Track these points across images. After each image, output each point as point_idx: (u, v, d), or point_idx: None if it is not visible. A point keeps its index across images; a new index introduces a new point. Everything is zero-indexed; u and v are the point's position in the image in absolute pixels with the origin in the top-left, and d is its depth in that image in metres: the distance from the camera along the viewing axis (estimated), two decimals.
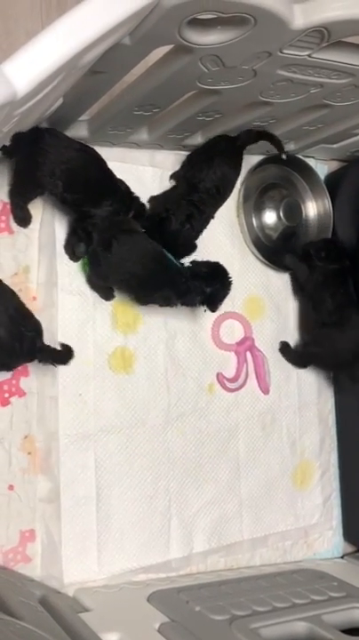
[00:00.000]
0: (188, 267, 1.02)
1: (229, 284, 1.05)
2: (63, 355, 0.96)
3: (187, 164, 1.08)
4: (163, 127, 0.99)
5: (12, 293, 0.91)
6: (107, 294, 1.03)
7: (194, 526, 1.10)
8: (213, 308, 1.04)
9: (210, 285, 1.01)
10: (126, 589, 1.00)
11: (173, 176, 1.10)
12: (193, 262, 1.04)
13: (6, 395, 0.96)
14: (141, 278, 0.97)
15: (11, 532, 0.95)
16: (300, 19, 0.67)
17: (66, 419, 1.00)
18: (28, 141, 0.88)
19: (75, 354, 1.00)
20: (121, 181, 0.99)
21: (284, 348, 1.20)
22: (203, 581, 1.05)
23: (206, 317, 1.14)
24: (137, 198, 1.01)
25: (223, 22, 0.67)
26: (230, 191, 1.10)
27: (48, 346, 0.93)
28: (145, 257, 0.97)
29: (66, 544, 0.98)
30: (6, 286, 0.92)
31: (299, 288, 1.21)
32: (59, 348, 0.97)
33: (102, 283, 1.01)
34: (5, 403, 0.96)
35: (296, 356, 1.20)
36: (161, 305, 1.03)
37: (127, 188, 1.00)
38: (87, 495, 1.01)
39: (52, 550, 0.97)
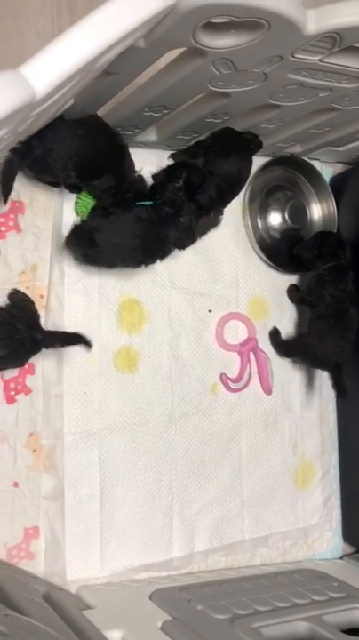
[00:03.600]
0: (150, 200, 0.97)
1: (194, 167, 1.00)
2: (70, 336, 0.96)
3: (202, 154, 1.04)
4: (172, 128, 1.00)
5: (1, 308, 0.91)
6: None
7: (195, 525, 1.11)
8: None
9: (173, 182, 0.97)
10: (128, 587, 1.00)
11: (173, 156, 1.08)
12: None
13: (12, 392, 0.96)
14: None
15: (15, 529, 0.95)
16: (313, 24, 0.68)
17: (71, 417, 1.01)
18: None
19: (81, 352, 1.01)
20: (126, 155, 0.97)
21: (273, 335, 1.18)
22: (205, 580, 1.06)
23: (211, 318, 1.15)
24: (139, 176, 0.99)
25: (237, 26, 0.67)
26: (239, 190, 1.09)
27: (49, 332, 0.94)
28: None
29: (69, 541, 0.99)
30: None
31: (298, 299, 1.20)
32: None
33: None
34: (11, 400, 0.96)
35: (284, 343, 1.17)
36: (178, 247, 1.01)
37: (131, 162, 0.98)
38: (91, 493, 1.01)
39: (56, 547, 0.98)
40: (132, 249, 0.96)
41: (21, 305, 0.94)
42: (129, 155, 0.97)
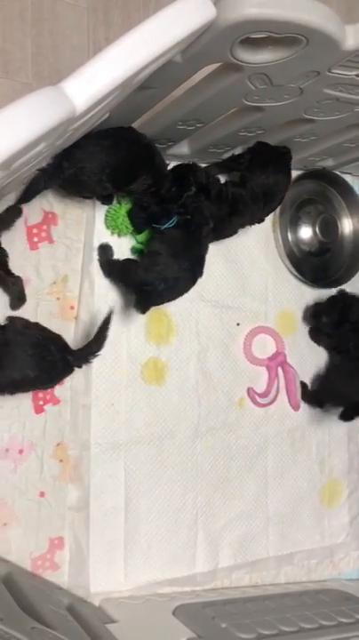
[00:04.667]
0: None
1: (194, 167, 1.00)
2: (94, 347, 0.95)
3: (242, 165, 1.05)
4: (205, 141, 1.00)
5: (35, 325, 0.91)
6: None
7: (220, 541, 1.09)
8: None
9: (184, 190, 0.97)
10: (152, 602, 0.99)
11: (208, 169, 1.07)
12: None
13: (41, 402, 0.97)
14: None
15: (40, 539, 0.95)
16: (352, 39, 0.68)
17: (98, 428, 1.01)
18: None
19: (109, 363, 1.01)
20: (155, 152, 0.96)
21: (303, 388, 1.18)
22: (228, 597, 1.05)
23: (239, 331, 1.14)
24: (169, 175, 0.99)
25: (275, 42, 0.67)
26: (276, 203, 1.09)
27: (79, 351, 0.93)
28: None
29: (93, 553, 0.99)
30: (28, 322, 0.92)
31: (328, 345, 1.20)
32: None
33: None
34: (40, 410, 0.97)
35: (312, 393, 1.18)
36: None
37: (161, 159, 0.97)
38: (116, 505, 1.01)
39: (80, 559, 0.97)
40: (186, 282, 0.97)
41: (40, 327, 0.93)
42: (158, 152, 0.96)
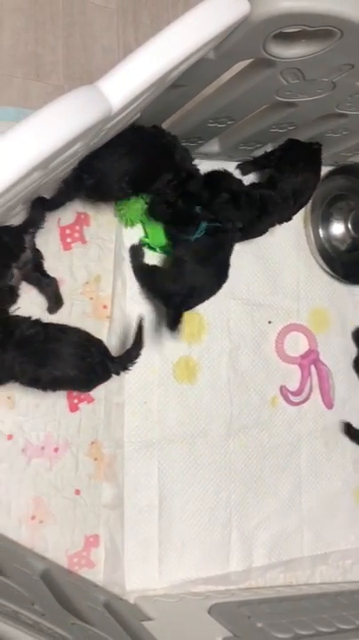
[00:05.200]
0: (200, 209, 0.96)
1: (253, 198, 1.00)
2: (133, 354, 0.95)
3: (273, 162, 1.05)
4: (236, 139, 0.99)
5: (76, 330, 0.92)
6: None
7: (254, 540, 1.09)
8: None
9: (215, 196, 0.96)
10: (186, 600, 0.99)
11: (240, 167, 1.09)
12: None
13: (75, 400, 0.97)
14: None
15: (76, 537, 0.96)
16: None
17: (131, 426, 1.01)
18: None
19: (141, 362, 1.00)
20: (174, 148, 0.95)
21: (347, 429, 1.17)
22: (263, 596, 1.04)
23: (270, 329, 1.13)
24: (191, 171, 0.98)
25: (308, 35, 0.67)
26: (305, 200, 1.09)
27: (119, 358, 0.94)
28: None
29: (128, 551, 0.99)
30: (68, 327, 0.92)
31: None
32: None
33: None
34: (75, 408, 0.97)
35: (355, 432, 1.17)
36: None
37: (184, 153, 0.96)
38: (150, 503, 1.01)
39: (115, 557, 0.98)
40: (212, 287, 0.98)
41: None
42: (179, 147, 0.95)
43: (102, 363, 0.90)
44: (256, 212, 1.02)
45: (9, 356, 0.85)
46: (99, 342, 0.92)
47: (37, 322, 0.89)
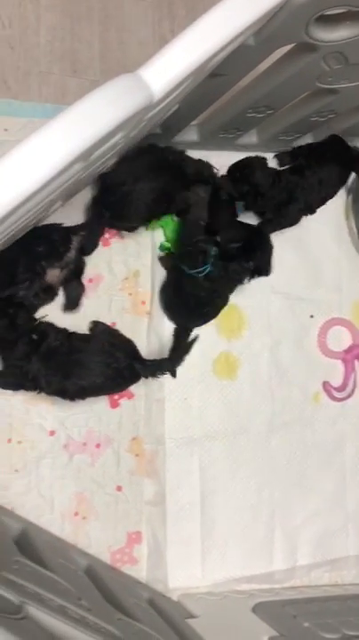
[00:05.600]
0: (215, 251, 0.96)
1: (268, 242, 1.00)
2: (168, 363, 0.96)
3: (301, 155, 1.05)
4: (275, 129, 0.98)
5: (99, 337, 0.92)
6: None
7: (298, 538, 1.07)
8: (266, 273, 1.00)
9: (250, 258, 0.97)
10: (230, 598, 0.98)
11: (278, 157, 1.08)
12: (220, 241, 0.98)
13: (116, 397, 0.97)
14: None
15: (118, 533, 0.96)
16: None
17: (171, 422, 1.00)
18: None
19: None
20: (183, 164, 0.97)
21: None
22: (308, 596, 1.02)
23: (312, 323, 1.11)
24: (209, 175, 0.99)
25: (353, 16, 0.65)
26: (330, 192, 1.07)
27: (150, 362, 0.93)
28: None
29: (170, 548, 0.98)
30: (91, 335, 0.93)
31: None
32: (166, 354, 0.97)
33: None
34: (115, 405, 0.97)
35: None
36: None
37: (195, 165, 0.98)
38: (192, 500, 1.00)
39: (158, 553, 0.97)
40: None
41: (114, 334, 0.94)
42: (188, 160, 0.97)
43: (130, 366, 0.90)
44: (284, 196, 1.01)
45: (34, 368, 0.85)
46: (126, 344, 0.92)
47: (63, 331, 0.89)
